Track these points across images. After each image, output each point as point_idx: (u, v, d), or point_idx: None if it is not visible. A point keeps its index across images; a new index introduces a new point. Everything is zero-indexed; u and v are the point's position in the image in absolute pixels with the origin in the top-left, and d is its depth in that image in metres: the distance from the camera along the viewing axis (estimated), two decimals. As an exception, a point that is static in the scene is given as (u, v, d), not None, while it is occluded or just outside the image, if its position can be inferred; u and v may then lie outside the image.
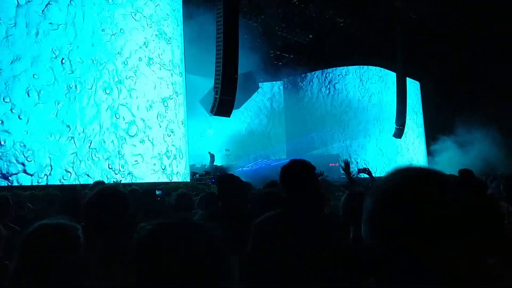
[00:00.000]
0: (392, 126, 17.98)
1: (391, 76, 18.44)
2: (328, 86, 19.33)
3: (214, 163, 15.95)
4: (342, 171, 4.82)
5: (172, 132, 11.59)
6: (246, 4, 11.31)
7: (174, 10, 12.06)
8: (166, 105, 11.46)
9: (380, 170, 18.25)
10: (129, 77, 10.68)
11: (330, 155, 17.96)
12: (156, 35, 11.38)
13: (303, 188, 2.44)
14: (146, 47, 11.08)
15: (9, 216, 3.53)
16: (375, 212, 0.87)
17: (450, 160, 16.36)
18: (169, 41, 11.74)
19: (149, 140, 10.94)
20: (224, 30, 10.35)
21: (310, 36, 16.45)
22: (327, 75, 19.40)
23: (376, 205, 0.88)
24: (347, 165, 4.72)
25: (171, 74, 11.74)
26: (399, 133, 17.84)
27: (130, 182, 10.15)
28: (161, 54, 11.47)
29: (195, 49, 12.52)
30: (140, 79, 10.88)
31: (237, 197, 2.98)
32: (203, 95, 13.59)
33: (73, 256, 1.49)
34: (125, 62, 10.62)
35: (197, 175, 13.46)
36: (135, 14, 10.91)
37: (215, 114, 10.95)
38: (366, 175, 5.74)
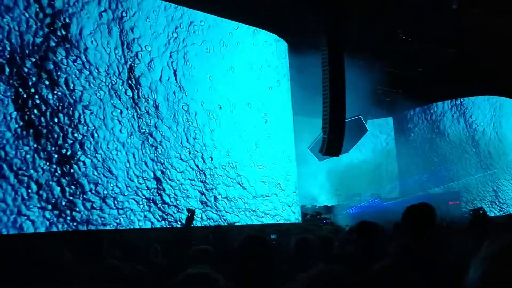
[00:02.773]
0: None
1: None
2: (442, 120, 18.31)
3: (324, 203, 15.74)
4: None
5: (282, 173, 11.71)
6: (350, 42, 11.28)
7: (282, 55, 12.43)
8: (275, 146, 11.67)
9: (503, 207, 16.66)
10: (240, 120, 11.08)
11: (449, 192, 16.81)
12: (264, 80, 11.76)
13: (421, 236, 2.38)
14: (256, 93, 11.49)
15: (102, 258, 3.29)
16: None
17: None
18: (277, 84, 12.07)
19: (259, 181, 11.13)
20: (329, 70, 10.37)
21: (420, 69, 15.84)
22: (439, 108, 18.42)
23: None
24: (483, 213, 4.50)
25: (279, 115, 11.99)
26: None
27: (241, 224, 10.38)
28: (271, 98, 11.81)
29: (302, 90, 12.68)
30: (250, 121, 11.24)
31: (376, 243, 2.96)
32: (312, 141, 13.56)
33: None
34: (234, 107, 11.07)
35: (308, 216, 13.32)
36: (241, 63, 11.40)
37: (324, 154, 10.88)
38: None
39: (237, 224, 10.24)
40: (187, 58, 10.44)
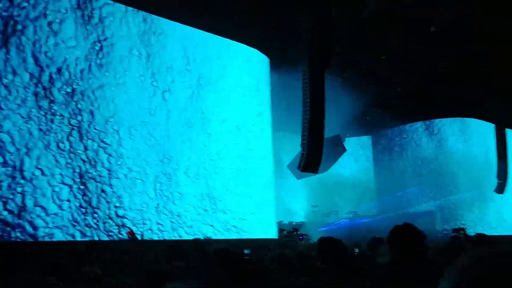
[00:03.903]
0: (493, 181, 16.79)
1: (490, 127, 17.42)
2: (421, 140, 18.57)
3: (301, 220, 15.74)
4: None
5: (260, 188, 11.67)
6: (331, 61, 11.39)
7: (263, 71, 12.50)
8: (254, 161, 11.64)
9: (482, 227, 16.91)
10: (217, 134, 11.04)
11: (424, 212, 17.02)
12: (243, 94, 11.77)
13: (405, 254, 2.47)
14: (235, 108, 11.48)
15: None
16: None
17: None
18: (257, 99, 12.10)
19: (236, 196, 11.07)
20: (310, 86, 10.42)
21: (398, 89, 16.10)
22: (420, 128, 18.70)
23: None
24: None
25: (258, 130, 11.99)
26: (501, 188, 16.65)
27: (219, 238, 10.27)
28: (250, 113, 11.81)
29: (282, 106, 12.74)
30: (228, 136, 11.21)
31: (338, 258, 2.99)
32: (291, 159, 13.56)
33: None
34: (211, 122, 11.04)
35: (285, 232, 13.28)
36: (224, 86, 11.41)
37: (302, 171, 10.85)
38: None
39: (214, 238, 10.13)
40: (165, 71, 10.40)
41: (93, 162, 8.90)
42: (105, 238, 8.75)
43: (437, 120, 18.27)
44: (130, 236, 4.21)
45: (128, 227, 9.07)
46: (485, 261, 0.78)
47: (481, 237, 4.56)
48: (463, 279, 0.78)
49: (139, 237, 4.20)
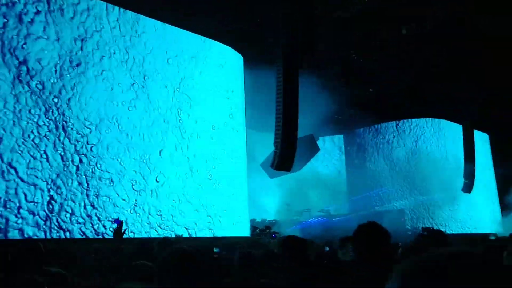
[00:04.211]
0: (462, 181, 17.19)
1: (459, 128, 17.82)
2: (393, 139, 18.88)
3: (274, 218, 15.82)
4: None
5: (233, 186, 11.69)
6: (304, 59, 11.43)
7: (237, 69, 12.51)
8: (227, 159, 11.65)
9: (451, 226, 17.34)
10: (192, 132, 11.02)
11: (395, 210, 17.34)
12: (218, 92, 11.77)
13: (370, 252, 2.52)
14: (209, 106, 11.47)
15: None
16: None
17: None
18: (231, 97, 12.11)
19: (209, 194, 11.07)
20: (283, 84, 10.47)
21: (371, 90, 16.30)
22: (391, 128, 19.01)
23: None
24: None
25: (232, 129, 12.01)
26: (468, 188, 17.04)
27: (187, 236, 10.26)
28: (224, 111, 11.81)
29: (256, 104, 12.77)
30: (201, 134, 11.19)
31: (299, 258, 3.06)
32: (264, 158, 13.62)
33: None
34: (184, 120, 11.00)
35: (258, 230, 13.34)
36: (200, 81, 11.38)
37: (276, 169, 10.93)
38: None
39: (185, 236, 10.12)
40: (139, 68, 10.31)
41: (67, 159, 8.78)
42: (77, 236, 8.65)
43: (410, 121, 18.60)
44: (117, 224, 4.18)
45: (104, 226, 9.00)
46: (442, 262, 0.80)
47: (438, 234, 4.70)
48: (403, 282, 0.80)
49: (122, 230, 4.21)
